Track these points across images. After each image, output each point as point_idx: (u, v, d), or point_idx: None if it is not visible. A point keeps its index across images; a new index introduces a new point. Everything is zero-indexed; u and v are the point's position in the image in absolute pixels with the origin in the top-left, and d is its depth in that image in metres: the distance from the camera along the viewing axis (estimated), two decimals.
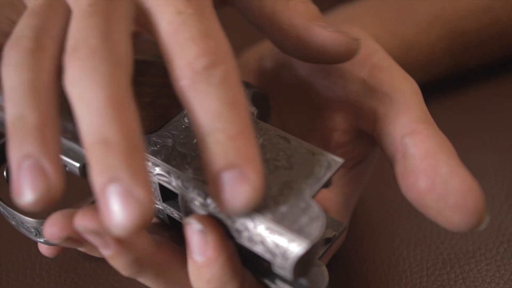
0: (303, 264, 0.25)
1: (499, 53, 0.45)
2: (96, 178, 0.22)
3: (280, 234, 0.25)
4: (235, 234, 0.26)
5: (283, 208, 0.25)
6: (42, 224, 0.29)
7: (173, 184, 0.28)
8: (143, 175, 0.22)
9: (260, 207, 0.26)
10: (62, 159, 0.33)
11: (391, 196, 0.31)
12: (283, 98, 0.34)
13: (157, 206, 0.30)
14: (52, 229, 0.26)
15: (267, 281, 0.27)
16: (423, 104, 0.30)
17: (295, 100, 0.34)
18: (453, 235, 0.36)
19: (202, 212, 0.27)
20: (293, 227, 0.25)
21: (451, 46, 0.43)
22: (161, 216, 0.31)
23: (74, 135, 0.31)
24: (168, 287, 0.28)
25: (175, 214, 0.29)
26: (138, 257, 0.26)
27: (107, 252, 0.26)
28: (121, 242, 0.25)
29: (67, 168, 0.33)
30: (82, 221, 0.25)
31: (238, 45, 0.46)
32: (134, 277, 0.27)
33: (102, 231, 0.25)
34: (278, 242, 0.25)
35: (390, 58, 0.32)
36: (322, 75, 0.32)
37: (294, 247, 0.24)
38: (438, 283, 0.33)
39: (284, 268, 0.25)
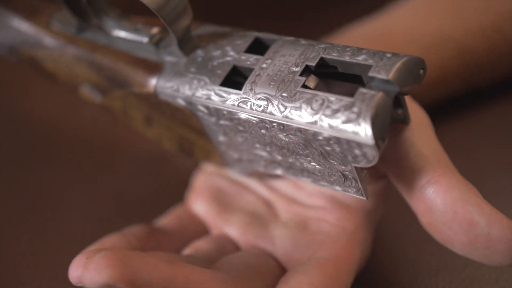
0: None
1: (509, 74, 0.44)
2: None
3: None
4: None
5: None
6: None
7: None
8: None
9: None
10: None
11: (409, 219, 0.29)
12: None
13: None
14: (75, 272, 0.24)
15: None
16: (434, 139, 0.29)
17: None
18: (475, 261, 0.34)
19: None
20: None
21: (460, 66, 0.42)
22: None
23: None
24: None
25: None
26: None
27: None
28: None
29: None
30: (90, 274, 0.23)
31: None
32: None
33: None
34: None
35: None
36: None
37: None
38: None
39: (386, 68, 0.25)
